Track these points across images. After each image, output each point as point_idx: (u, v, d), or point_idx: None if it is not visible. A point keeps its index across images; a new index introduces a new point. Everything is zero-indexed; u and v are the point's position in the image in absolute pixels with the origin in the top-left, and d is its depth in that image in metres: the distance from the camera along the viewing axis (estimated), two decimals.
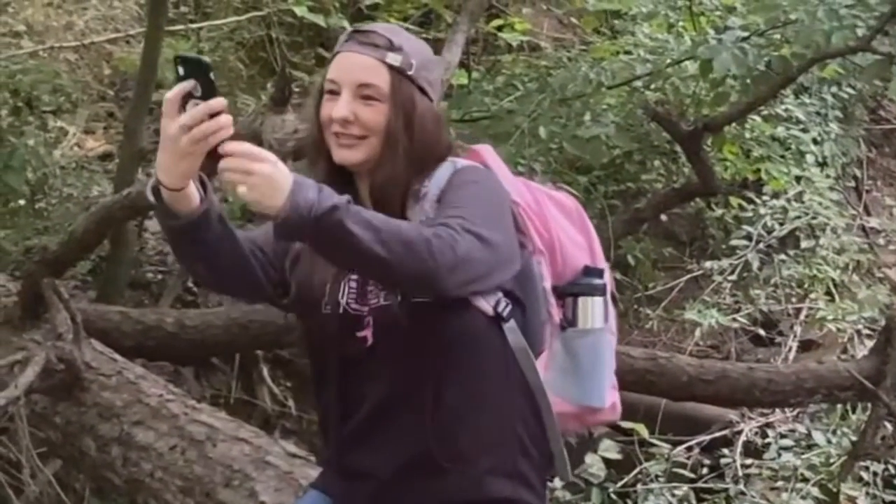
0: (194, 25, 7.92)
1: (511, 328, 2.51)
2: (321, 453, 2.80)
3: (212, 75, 2.24)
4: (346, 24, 7.11)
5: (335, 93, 2.49)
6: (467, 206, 2.41)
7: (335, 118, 2.47)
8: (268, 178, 2.18)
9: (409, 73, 2.50)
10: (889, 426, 5.33)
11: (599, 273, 2.66)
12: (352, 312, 2.50)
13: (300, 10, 7.11)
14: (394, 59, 2.48)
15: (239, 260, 2.49)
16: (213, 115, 2.22)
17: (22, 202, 6.38)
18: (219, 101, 2.22)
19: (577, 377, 2.62)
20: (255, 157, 2.20)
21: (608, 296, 2.66)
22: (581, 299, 2.62)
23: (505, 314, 2.50)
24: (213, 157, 2.23)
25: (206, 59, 2.29)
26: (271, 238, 2.50)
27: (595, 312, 2.63)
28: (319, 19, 7.07)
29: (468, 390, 2.48)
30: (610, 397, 2.68)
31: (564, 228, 2.65)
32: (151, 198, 2.34)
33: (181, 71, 2.23)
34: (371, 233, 2.23)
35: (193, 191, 2.34)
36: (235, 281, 2.56)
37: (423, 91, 2.52)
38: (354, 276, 2.51)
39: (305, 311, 2.58)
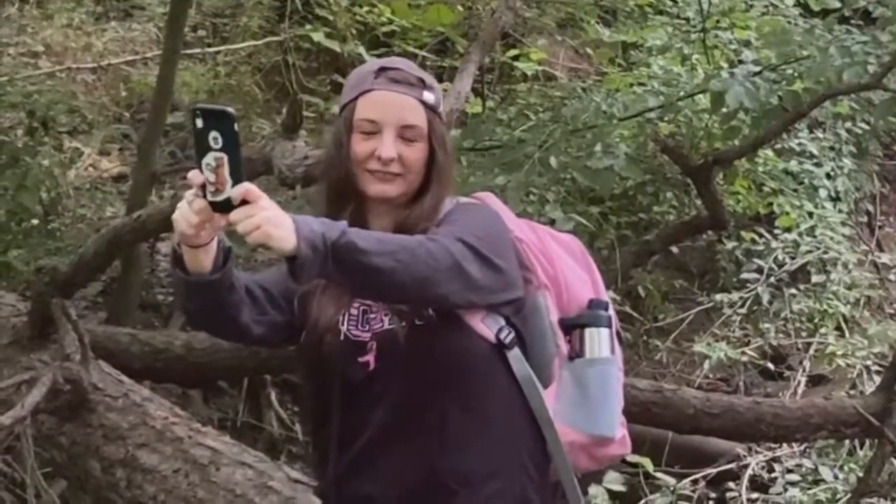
0: (211, 49, 7.99)
1: (515, 356, 2.54)
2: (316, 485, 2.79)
3: (235, 126, 2.13)
4: (362, 50, 7.16)
5: (373, 133, 2.52)
6: (462, 225, 2.47)
7: (384, 158, 2.50)
8: (273, 221, 2.16)
9: (438, 110, 2.57)
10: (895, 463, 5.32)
11: (604, 306, 2.67)
12: (353, 339, 2.52)
13: (317, 37, 7.19)
14: (428, 97, 2.55)
15: (234, 312, 2.48)
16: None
17: (35, 222, 6.39)
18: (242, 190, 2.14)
19: (585, 407, 2.61)
20: (256, 201, 2.16)
21: (614, 329, 2.68)
22: (588, 330, 2.63)
23: (508, 342, 2.52)
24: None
25: (230, 109, 2.16)
26: (279, 280, 2.54)
27: (602, 343, 2.64)
28: (335, 45, 7.13)
29: (473, 414, 2.50)
30: (620, 430, 2.67)
31: (568, 265, 2.68)
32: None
33: (199, 123, 2.12)
34: (379, 245, 2.28)
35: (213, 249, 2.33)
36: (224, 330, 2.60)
37: (446, 126, 2.60)
38: (355, 305, 2.54)
39: (309, 343, 2.59)
